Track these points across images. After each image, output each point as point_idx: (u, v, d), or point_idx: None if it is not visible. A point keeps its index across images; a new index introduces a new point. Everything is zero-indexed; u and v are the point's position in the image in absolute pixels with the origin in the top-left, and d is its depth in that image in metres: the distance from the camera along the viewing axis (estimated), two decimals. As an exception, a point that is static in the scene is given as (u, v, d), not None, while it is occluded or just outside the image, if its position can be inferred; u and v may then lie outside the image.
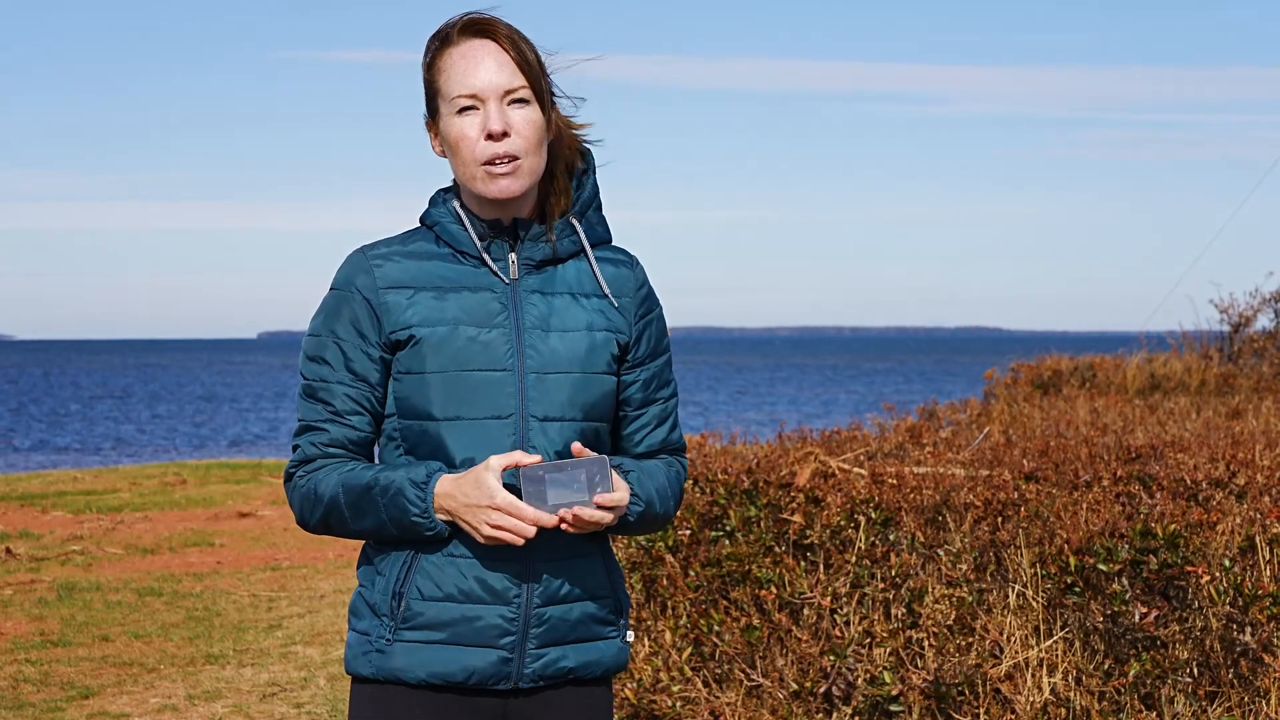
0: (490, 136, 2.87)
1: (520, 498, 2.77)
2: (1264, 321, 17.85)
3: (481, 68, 2.88)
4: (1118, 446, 7.72)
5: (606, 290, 2.98)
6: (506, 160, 2.87)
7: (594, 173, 3.03)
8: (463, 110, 2.89)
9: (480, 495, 2.77)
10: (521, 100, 2.89)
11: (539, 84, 2.91)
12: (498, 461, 2.77)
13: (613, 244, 3.05)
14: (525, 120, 2.89)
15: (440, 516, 2.82)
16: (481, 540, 2.80)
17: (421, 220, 3.00)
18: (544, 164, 2.93)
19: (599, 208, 3.03)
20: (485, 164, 2.87)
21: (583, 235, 2.98)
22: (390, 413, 2.93)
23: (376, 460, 2.97)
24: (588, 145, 3.03)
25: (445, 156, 2.95)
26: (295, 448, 2.95)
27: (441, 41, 2.93)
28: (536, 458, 2.78)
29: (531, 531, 2.77)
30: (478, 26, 2.91)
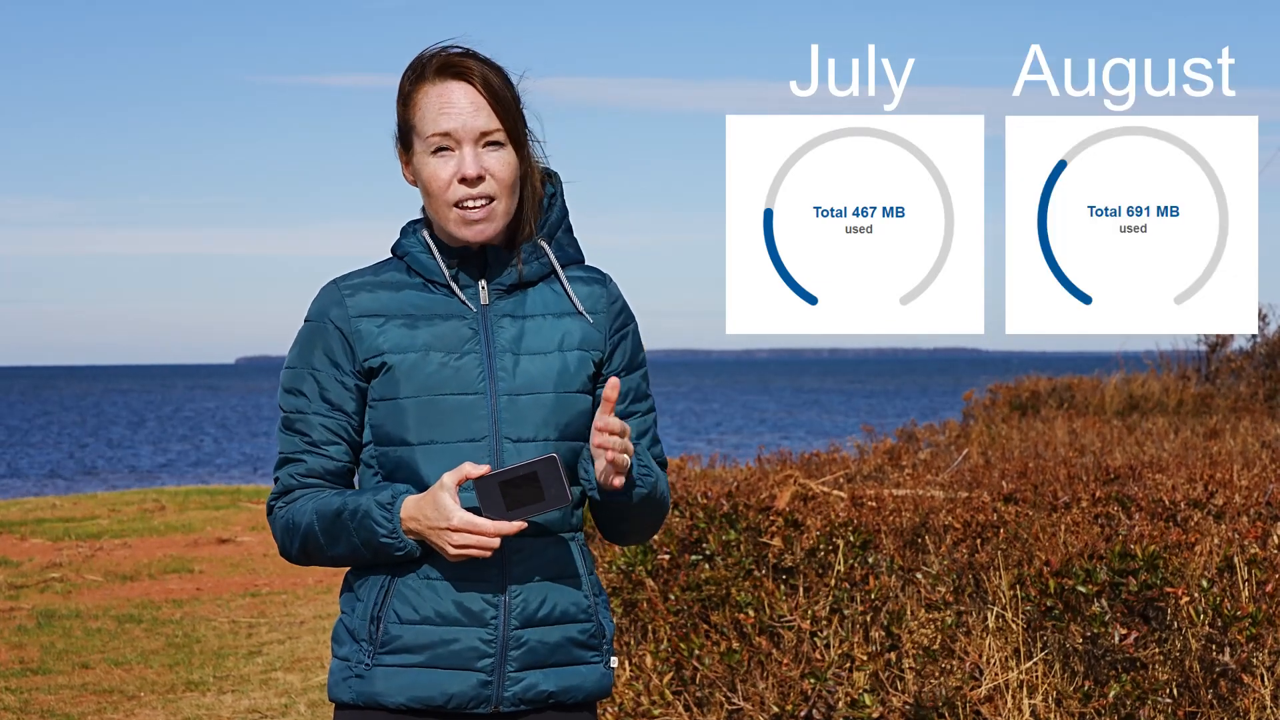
0: (465, 180, 2.88)
1: (480, 511, 2.79)
2: (1241, 342, 17.92)
3: (456, 110, 2.88)
4: (1096, 467, 7.75)
5: (580, 308, 2.99)
6: (481, 203, 2.88)
7: (562, 195, 3.04)
8: (437, 150, 2.90)
9: (438, 517, 2.79)
10: (496, 143, 2.90)
11: (514, 125, 2.91)
12: (450, 479, 2.79)
13: (585, 263, 3.06)
14: (500, 163, 2.90)
15: (411, 537, 2.84)
16: (450, 559, 2.82)
17: (393, 251, 3.01)
18: (517, 202, 2.94)
19: (569, 229, 3.04)
20: (457, 205, 2.89)
21: (552, 256, 2.99)
22: (367, 440, 2.95)
23: (357, 487, 2.98)
24: (553, 170, 3.05)
25: (415, 185, 2.97)
26: (275, 480, 2.97)
27: (417, 77, 2.93)
28: (485, 468, 2.79)
29: (495, 543, 2.78)
30: (454, 68, 2.91)
